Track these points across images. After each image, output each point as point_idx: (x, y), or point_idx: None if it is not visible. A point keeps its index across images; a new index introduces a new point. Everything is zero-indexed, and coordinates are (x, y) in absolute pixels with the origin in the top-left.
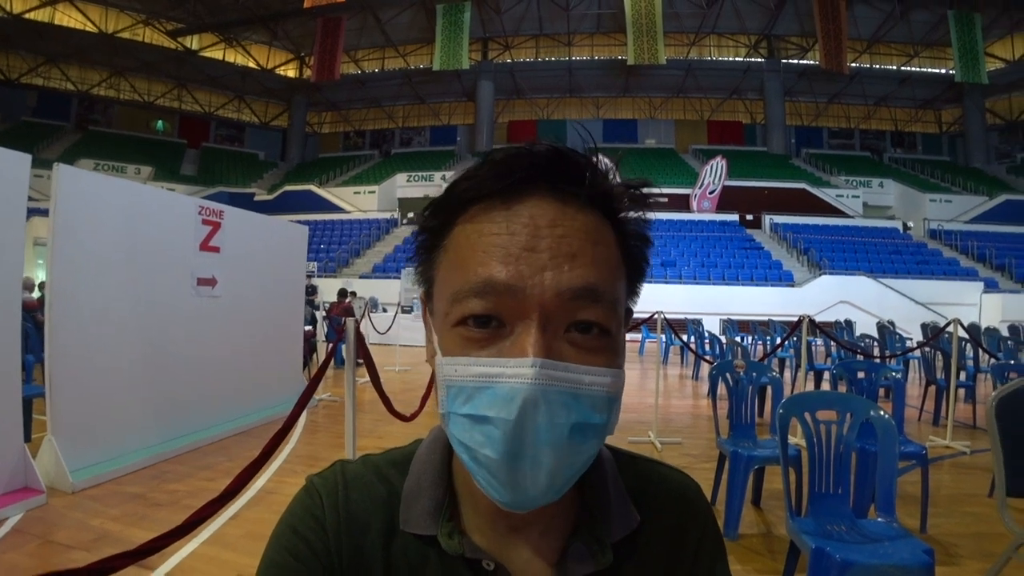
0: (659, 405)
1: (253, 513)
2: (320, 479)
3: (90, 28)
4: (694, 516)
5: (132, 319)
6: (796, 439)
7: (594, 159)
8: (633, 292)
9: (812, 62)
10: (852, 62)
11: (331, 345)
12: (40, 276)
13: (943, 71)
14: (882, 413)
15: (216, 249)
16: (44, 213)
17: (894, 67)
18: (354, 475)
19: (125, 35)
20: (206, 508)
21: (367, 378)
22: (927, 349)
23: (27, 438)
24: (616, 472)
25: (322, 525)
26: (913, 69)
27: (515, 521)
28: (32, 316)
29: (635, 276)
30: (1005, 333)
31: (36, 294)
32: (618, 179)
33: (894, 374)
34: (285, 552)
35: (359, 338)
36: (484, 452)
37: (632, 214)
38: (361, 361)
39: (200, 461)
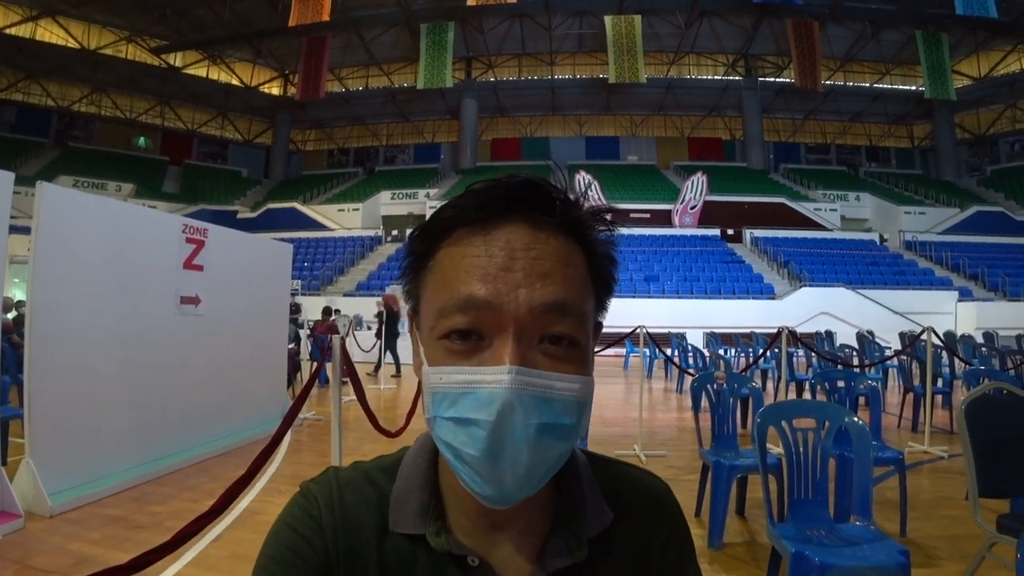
0: (643, 418)
1: (237, 534)
2: (315, 483)
3: (72, 44)
4: (664, 514)
5: (114, 338)
6: (778, 449)
7: (566, 189)
8: (602, 307)
9: (788, 80)
10: (826, 80)
11: (315, 364)
12: (17, 295)
13: (913, 88)
14: (856, 419)
15: (200, 267)
16: (22, 231)
17: (867, 84)
18: (347, 479)
19: (107, 51)
20: (192, 525)
21: (351, 396)
22: (904, 357)
23: (3, 461)
24: (590, 473)
25: (319, 525)
26: (885, 86)
27: (497, 519)
28: (8, 337)
29: (603, 293)
30: (980, 340)
31: (12, 314)
32: (600, 198)
33: (871, 382)
34: (286, 549)
35: (344, 356)
36: (467, 451)
37: (601, 236)
38: (346, 379)
39: (183, 482)
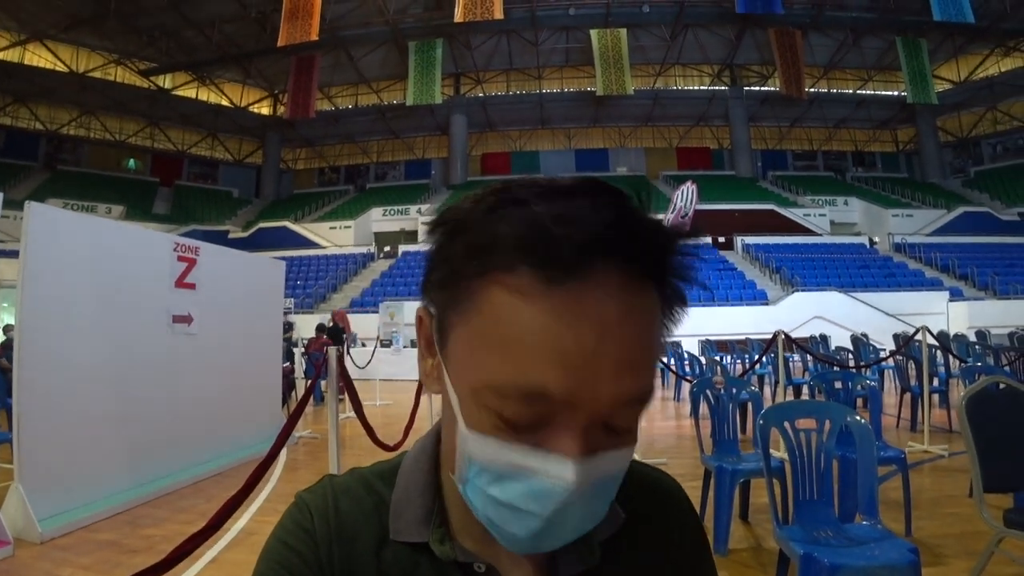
0: (643, 427)
1: (234, 555)
2: (309, 493)
3: (60, 68)
4: (677, 512)
5: (105, 359)
6: (779, 453)
7: (650, 214)
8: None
9: (773, 89)
10: (810, 87)
11: (309, 381)
12: (5, 319)
13: (896, 93)
14: (858, 418)
15: (192, 286)
16: (11, 255)
17: (850, 91)
18: (343, 487)
19: (96, 74)
20: (187, 544)
21: (347, 413)
22: (899, 357)
23: None
24: None
25: (312, 537)
26: (868, 92)
27: None
28: None
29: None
30: (973, 339)
31: (1, 339)
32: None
33: (869, 382)
34: (277, 566)
35: (341, 371)
36: (508, 529)
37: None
38: (343, 396)
39: (176, 504)
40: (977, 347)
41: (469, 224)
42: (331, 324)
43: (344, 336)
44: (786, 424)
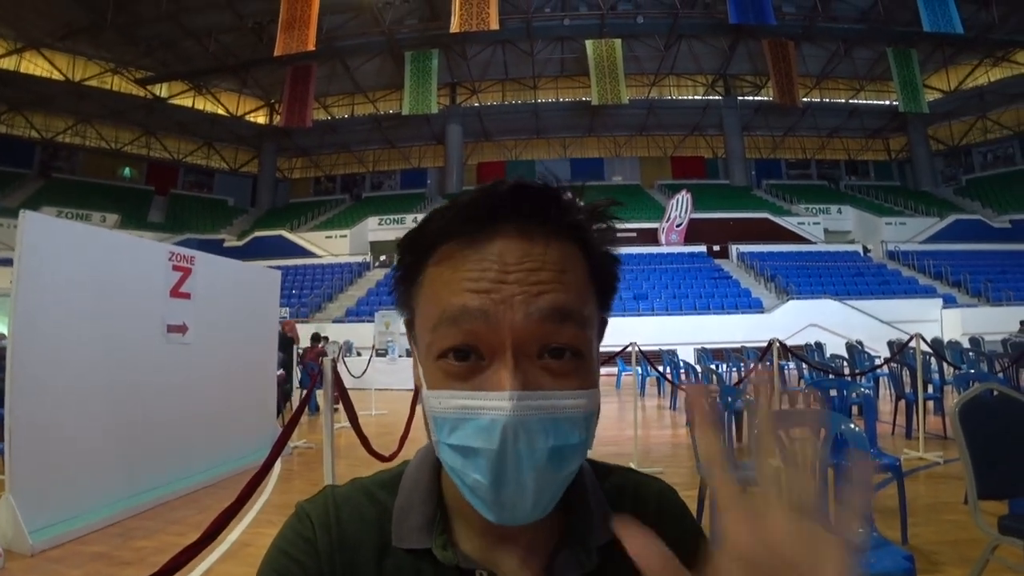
0: (638, 436)
1: (227, 567)
2: (310, 503)
3: (56, 76)
4: (672, 515)
5: (99, 368)
6: (774, 462)
7: (560, 191)
8: (605, 307)
9: (766, 98)
10: (803, 97)
11: (305, 391)
12: (1, 329)
13: (887, 103)
14: (852, 426)
15: (187, 295)
16: (5, 263)
17: (843, 100)
18: (344, 497)
19: (92, 83)
20: (180, 556)
21: (343, 423)
22: (894, 365)
23: None
24: (595, 481)
25: (314, 547)
26: (860, 102)
27: (505, 532)
28: None
29: (606, 291)
30: (967, 345)
31: None
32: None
33: (864, 390)
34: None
35: (337, 381)
36: (473, 477)
37: (598, 231)
38: (338, 406)
39: (169, 515)
40: (971, 354)
41: (411, 233)
42: (281, 334)
43: (295, 347)
44: (781, 433)
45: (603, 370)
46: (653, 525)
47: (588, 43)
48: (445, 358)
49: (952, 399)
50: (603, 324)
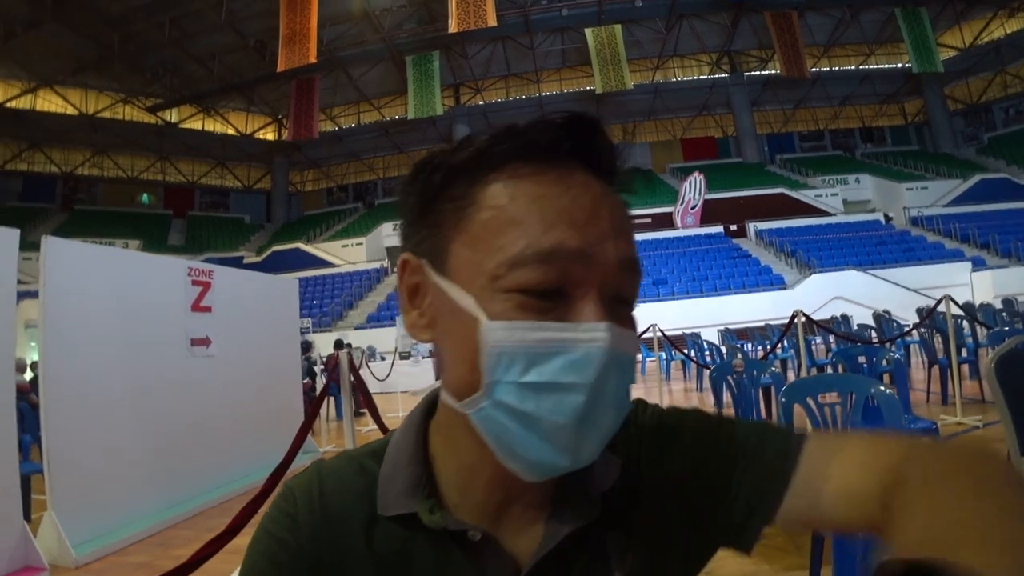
0: None
1: None
2: (295, 480)
3: (71, 111)
4: (679, 441)
5: (128, 385)
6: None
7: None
8: None
9: (774, 72)
10: (812, 67)
11: (330, 396)
12: (33, 357)
13: (900, 65)
14: (883, 388)
15: (208, 309)
16: (34, 295)
17: (853, 67)
18: (330, 470)
19: (105, 114)
20: (208, 547)
21: (370, 426)
22: (924, 330)
23: (27, 516)
24: None
25: (296, 523)
26: (871, 67)
27: (512, 493)
28: (26, 397)
29: None
30: (999, 307)
31: (28, 375)
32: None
33: (893, 355)
34: (261, 557)
35: (361, 386)
36: (553, 419)
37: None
38: (364, 411)
39: (206, 524)
40: (1004, 315)
41: (449, 154)
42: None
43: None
44: (809, 400)
45: None
46: (659, 458)
47: (588, 31)
48: (522, 293)
49: (987, 361)
50: None
